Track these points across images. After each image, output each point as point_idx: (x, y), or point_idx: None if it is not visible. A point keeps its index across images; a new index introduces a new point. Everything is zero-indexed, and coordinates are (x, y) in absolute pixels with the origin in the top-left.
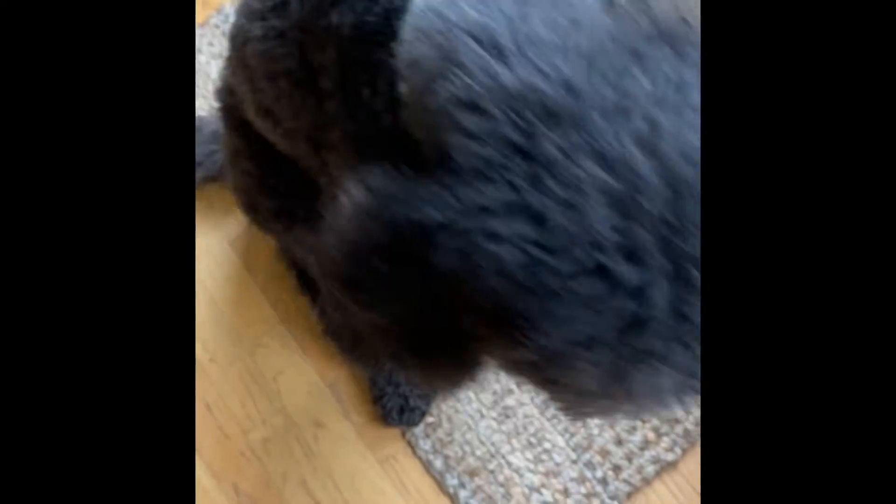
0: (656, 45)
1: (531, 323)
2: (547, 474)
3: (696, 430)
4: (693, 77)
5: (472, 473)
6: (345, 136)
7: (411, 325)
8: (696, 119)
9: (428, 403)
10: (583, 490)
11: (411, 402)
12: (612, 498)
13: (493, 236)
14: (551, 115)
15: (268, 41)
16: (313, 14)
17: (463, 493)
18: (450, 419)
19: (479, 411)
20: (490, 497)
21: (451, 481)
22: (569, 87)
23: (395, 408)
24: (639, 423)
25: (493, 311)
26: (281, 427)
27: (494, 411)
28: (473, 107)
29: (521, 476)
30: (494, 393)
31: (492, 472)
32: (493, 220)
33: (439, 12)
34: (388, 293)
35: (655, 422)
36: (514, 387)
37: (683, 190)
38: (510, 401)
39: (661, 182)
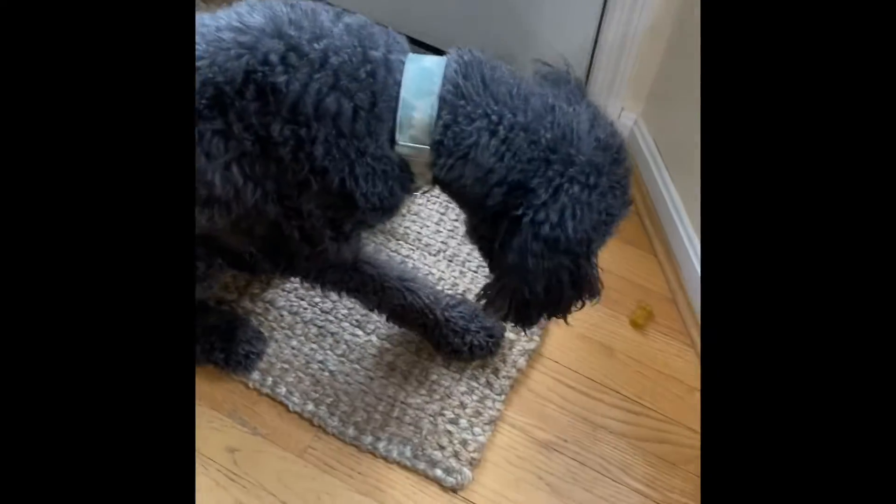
0: None
1: None
2: (442, 398)
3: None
4: None
5: (383, 426)
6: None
7: None
8: None
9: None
10: (475, 397)
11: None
12: (500, 394)
13: None
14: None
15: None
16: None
17: (381, 445)
18: (346, 392)
19: (368, 376)
20: (404, 438)
21: (367, 440)
22: None
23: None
24: (501, 328)
25: None
26: (200, 467)
27: (381, 370)
28: None
29: (422, 410)
30: (374, 356)
31: (397, 418)
32: None
33: None
34: None
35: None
36: (389, 345)
37: None
38: (389, 357)
39: None
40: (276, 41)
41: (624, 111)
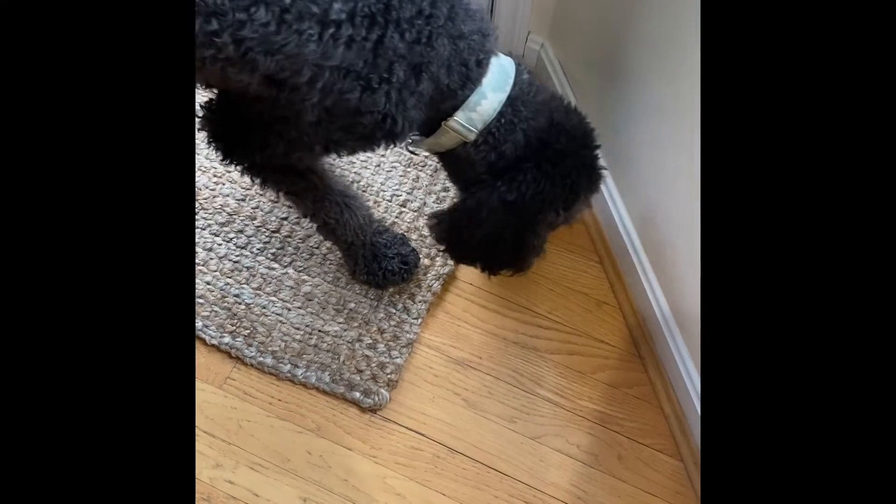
0: None
1: None
2: (360, 326)
3: None
4: None
5: (301, 354)
6: None
7: None
8: None
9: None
10: (392, 322)
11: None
12: (417, 318)
13: None
14: None
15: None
16: None
17: (300, 372)
18: (263, 324)
19: (285, 307)
20: (323, 364)
21: (285, 368)
22: None
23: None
24: (416, 256)
25: None
26: None
27: (297, 301)
28: None
29: (340, 337)
30: (291, 288)
31: (315, 346)
32: None
33: None
34: None
35: (426, 250)
36: (306, 276)
37: None
38: (306, 287)
39: None
40: None
41: (531, 34)
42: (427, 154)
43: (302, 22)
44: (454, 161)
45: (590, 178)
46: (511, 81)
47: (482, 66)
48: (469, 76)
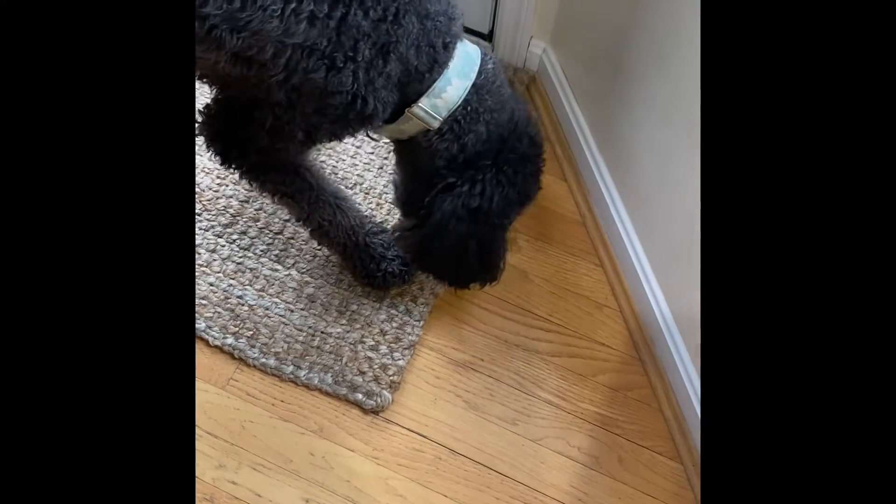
0: None
1: None
2: (362, 327)
3: None
4: None
5: (303, 355)
6: None
7: None
8: None
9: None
10: (394, 324)
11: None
12: (419, 320)
13: None
14: None
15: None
16: None
17: (302, 373)
18: (266, 325)
19: (288, 308)
20: (325, 365)
21: (288, 369)
22: None
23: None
24: None
25: None
26: None
27: (300, 303)
28: None
29: (342, 339)
30: (294, 289)
31: (317, 347)
32: None
33: None
34: None
35: None
36: (309, 278)
37: None
38: (309, 289)
39: None
40: None
41: (533, 39)
42: (386, 140)
43: None
44: (413, 151)
45: (536, 186)
46: (476, 69)
47: (448, 49)
48: (436, 59)
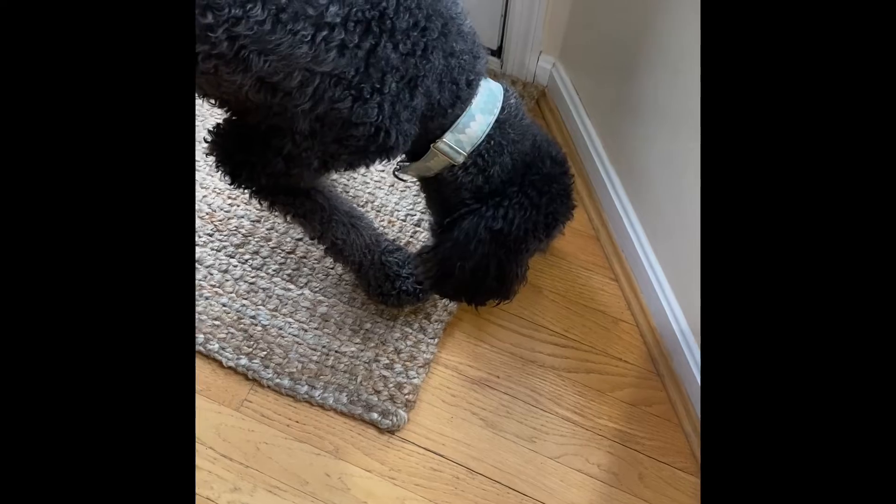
0: None
1: None
2: (377, 346)
3: None
4: None
5: (318, 375)
6: None
7: None
8: None
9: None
10: (409, 342)
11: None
12: (434, 337)
13: None
14: None
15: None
16: None
17: (317, 393)
18: (280, 345)
19: (302, 328)
20: (340, 385)
21: (302, 389)
22: None
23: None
24: None
25: None
26: None
27: (314, 322)
28: None
29: (357, 358)
30: (307, 309)
31: (332, 366)
32: None
33: None
34: None
35: None
36: (322, 297)
37: None
38: (322, 308)
39: None
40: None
41: (542, 54)
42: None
43: (297, 22)
44: (440, 186)
45: (567, 205)
46: (499, 105)
47: (472, 86)
48: (459, 95)
